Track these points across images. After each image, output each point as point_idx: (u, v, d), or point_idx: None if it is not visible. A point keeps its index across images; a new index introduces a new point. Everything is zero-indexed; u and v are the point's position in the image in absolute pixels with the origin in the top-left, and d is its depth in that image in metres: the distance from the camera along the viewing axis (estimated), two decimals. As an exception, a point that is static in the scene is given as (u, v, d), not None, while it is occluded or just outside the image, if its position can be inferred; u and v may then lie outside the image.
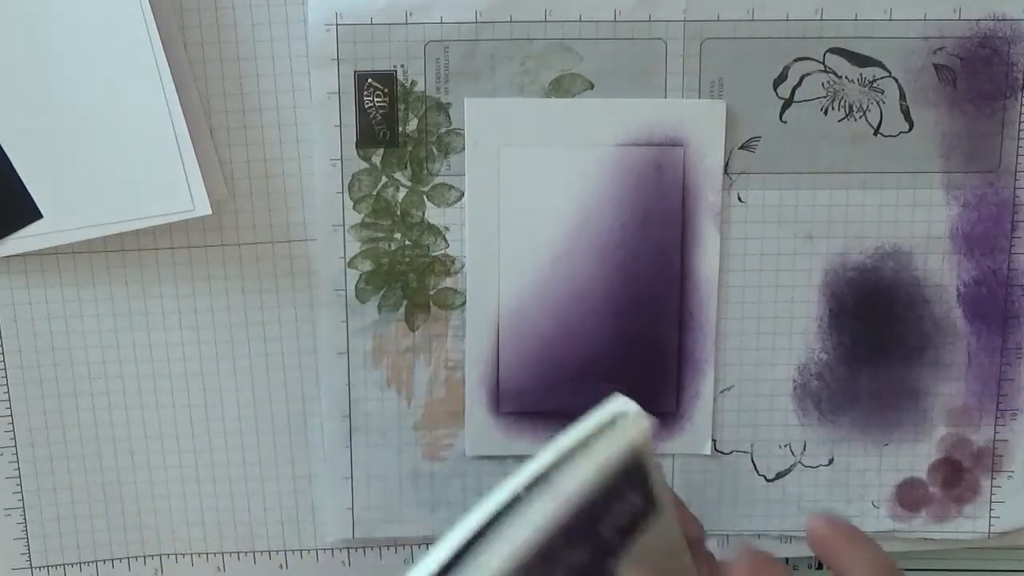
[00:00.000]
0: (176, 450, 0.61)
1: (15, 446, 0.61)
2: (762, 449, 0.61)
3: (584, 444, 0.43)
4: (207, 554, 0.63)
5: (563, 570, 0.39)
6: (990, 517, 0.62)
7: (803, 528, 0.62)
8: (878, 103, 0.58)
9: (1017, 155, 0.58)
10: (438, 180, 0.58)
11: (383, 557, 0.63)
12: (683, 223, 0.58)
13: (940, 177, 0.59)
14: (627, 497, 0.42)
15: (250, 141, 0.58)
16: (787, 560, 0.65)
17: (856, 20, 0.57)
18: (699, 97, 0.57)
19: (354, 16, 0.56)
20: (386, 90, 0.57)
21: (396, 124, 0.57)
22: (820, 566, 0.65)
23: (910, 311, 0.60)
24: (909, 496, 0.62)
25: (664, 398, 0.60)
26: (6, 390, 0.60)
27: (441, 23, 0.56)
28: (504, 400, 0.60)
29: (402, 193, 0.58)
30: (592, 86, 0.57)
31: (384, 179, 0.58)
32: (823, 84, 0.57)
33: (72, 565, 0.62)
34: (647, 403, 0.60)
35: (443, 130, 0.57)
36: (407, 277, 0.59)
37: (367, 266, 0.59)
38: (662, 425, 0.60)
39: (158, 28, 0.54)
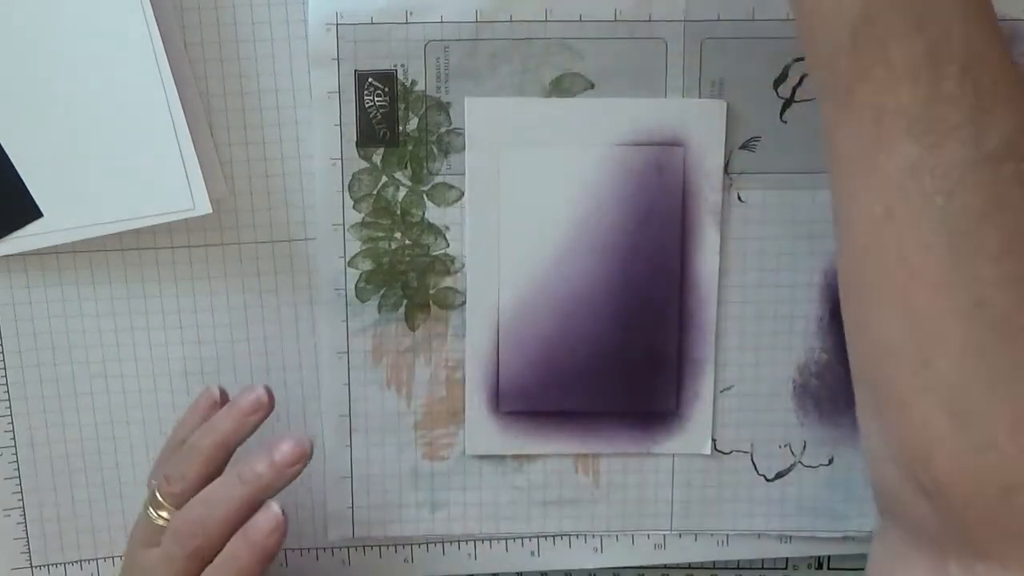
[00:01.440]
0: (176, 449, 0.61)
1: (15, 446, 0.61)
2: (762, 449, 0.61)
3: None
4: (207, 553, 0.63)
5: None
6: (990, 517, 0.62)
7: (803, 528, 0.62)
8: (878, 103, 0.58)
9: (1017, 155, 0.58)
10: (438, 179, 0.58)
11: (383, 556, 0.63)
12: (683, 223, 0.58)
13: (940, 177, 0.58)
14: None
15: (250, 140, 0.58)
16: (787, 560, 0.65)
17: (856, 20, 0.57)
18: (699, 97, 0.57)
19: (354, 16, 0.56)
20: (386, 89, 0.57)
21: (396, 123, 0.57)
22: (820, 566, 0.65)
23: (910, 311, 0.60)
24: (909, 496, 0.62)
25: (664, 398, 0.60)
26: (6, 390, 0.60)
27: (441, 23, 0.56)
28: (504, 399, 0.60)
29: (402, 192, 0.58)
30: (593, 86, 0.57)
31: (384, 178, 0.58)
32: (823, 84, 0.57)
33: (72, 564, 0.62)
34: (647, 403, 0.61)
35: (443, 129, 0.57)
36: (407, 276, 0.59)
37: (367, 265, 0.59)
38: (662, 425, 0.61)
39: (159, 27, 0.54)
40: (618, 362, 0.60)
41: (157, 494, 0.54)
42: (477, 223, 0.58)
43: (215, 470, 0.54)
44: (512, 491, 0.62)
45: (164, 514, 0.53)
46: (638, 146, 0.57)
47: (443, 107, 0.57)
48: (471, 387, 0.60)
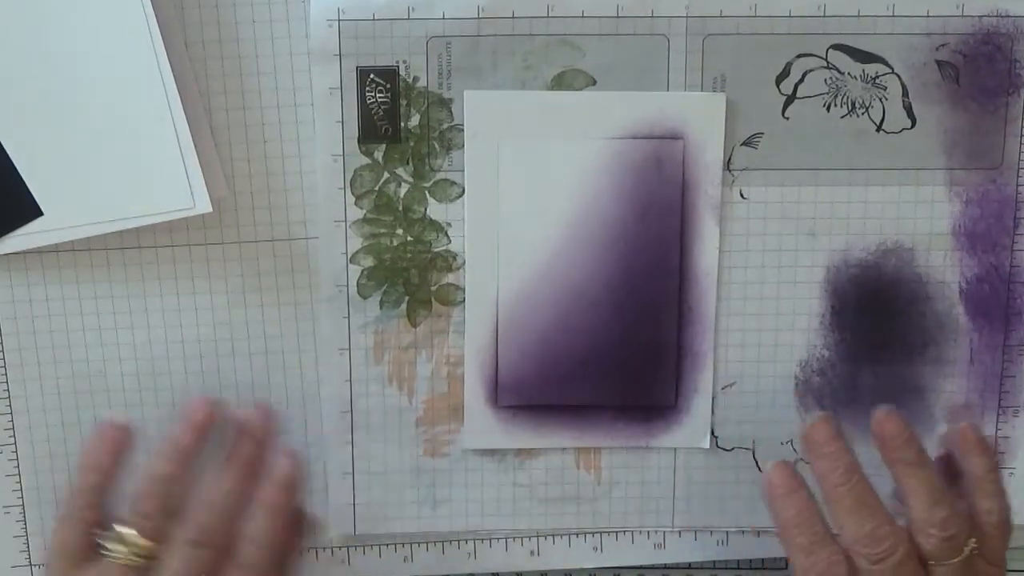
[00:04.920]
0: (176, 448, 0.61)
1: (15, 444, 0.61)
2: (764, 446, 0.61)
3: None
4: (207, 552, 0.62)
5: None
6: (992, 514, 0.62)
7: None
8: (881, 99, 0.58)
9: (1020, 152, 0.58)
10: (440, 176, 0.58)
11: (383, 556, 0.63)
12: (682, 216, 0.58)
13: (942, 174, 0.59)
14: None
15: (251, 138, 0.58)
16: (787, 560, 0.64)
17: (859, 16, 0.57)
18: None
19: (356, 11, 0.56)
20: (388, 85, 0.57)
21: (398, 120, 0.57)
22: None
23: (912, 308, 0.60)
24: (911, 493, 0.62)
25: (662, 392, 0.60)
26: (6, 388, 0.60)
27: (443, 19, 0.56)
28: (503, 393, 0.60)
29: (404, 189, 0.58)
30: (594, 82, 0.57)
31: (386, 175, 0.58)
32: (826, 80, 0.57)
33: (71, 563, 0.62)
34: (645, 396, 0.61)
35: (445, 126, 0.57)
36: (409, 273, 0.59)
37: (369, 262, 0.59)
38: (660, 419, 0.60)
39: (159, 25, 0.54)
40: (617, 356, 0.60)
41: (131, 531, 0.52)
42: (476, 215, 0.58)
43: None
44: (513, 488, 0.62)
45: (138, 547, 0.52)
46: (637, 139, 0.57)
47: (445, 103, 0.57)
48: (470, 380, 0.60)
